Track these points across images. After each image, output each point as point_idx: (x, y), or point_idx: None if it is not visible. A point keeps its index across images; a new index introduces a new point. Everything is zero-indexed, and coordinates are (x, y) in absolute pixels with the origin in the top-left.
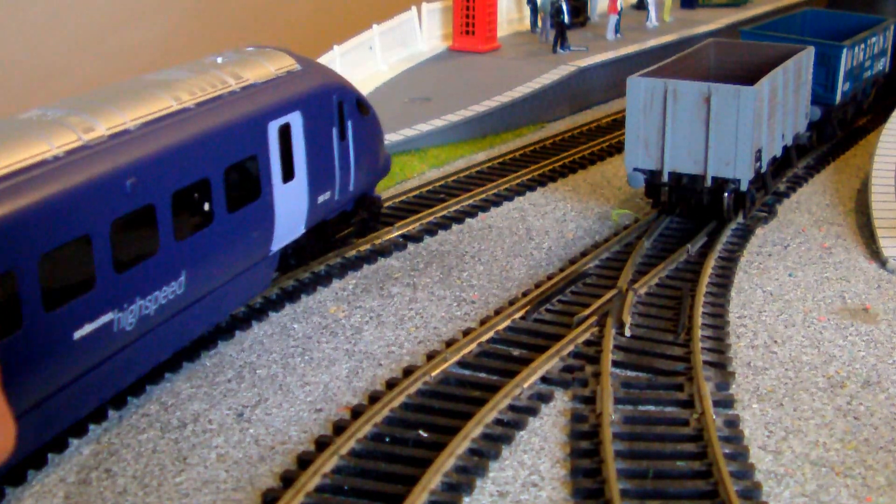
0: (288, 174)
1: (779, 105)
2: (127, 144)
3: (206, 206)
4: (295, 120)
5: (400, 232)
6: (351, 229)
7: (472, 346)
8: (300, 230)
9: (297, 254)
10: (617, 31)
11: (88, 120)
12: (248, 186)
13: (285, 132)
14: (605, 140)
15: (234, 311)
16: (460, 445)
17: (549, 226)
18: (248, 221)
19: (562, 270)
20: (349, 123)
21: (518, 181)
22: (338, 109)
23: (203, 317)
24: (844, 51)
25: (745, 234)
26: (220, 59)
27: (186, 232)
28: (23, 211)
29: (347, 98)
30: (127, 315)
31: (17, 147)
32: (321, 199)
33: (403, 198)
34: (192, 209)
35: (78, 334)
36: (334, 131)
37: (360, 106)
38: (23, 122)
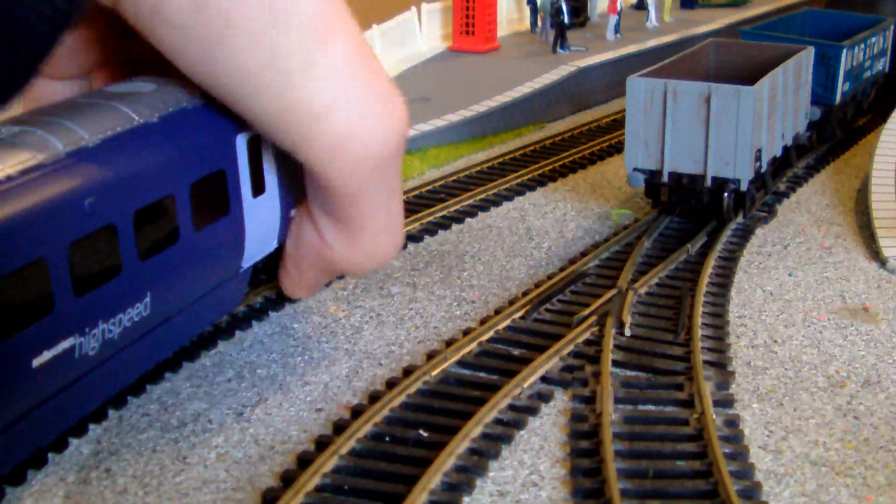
0: (258, 188)
1: (779, 105)
2: (85, 162)
3: (172, 225)
4: None
5: None
6: None
7: (472, 345)
8: (272, 245)
9: (269, 269)
10: (617, 31)
11: (44, 137)
12: (215, 202)
13: (255, 145)
14: (605, 140)
15: (202, 331)
16: (460, 445)
17: (549, 226)
18: (217, 239)
19: (562, 270)
20: None
21: (518, 181)
22: None
23: (171, 338)
24: (844, 51)
25: (745, 234)
26: None
27: (150, 252)
28: None
29: None
30: (89, 339)
31: None
32: (294, 213)
33: (403, 198)
34: (156, 228)
35: (37, 361)
36: None
37: None
38: None
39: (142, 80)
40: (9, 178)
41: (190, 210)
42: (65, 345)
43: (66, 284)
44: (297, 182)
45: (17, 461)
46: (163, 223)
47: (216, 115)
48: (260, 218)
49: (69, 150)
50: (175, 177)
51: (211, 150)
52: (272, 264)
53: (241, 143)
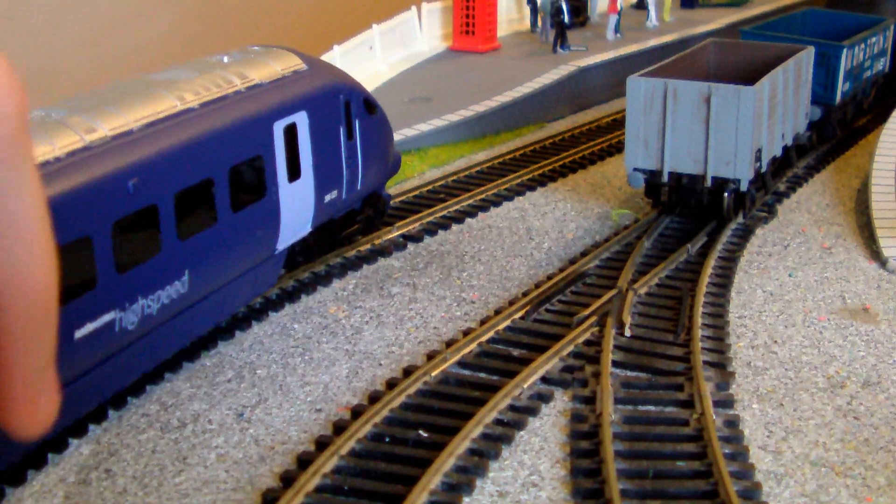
0: (294, 174)
1: (779, 105)
2: (129, 145)
3: (210, 207)
4: (301, 120)
5: (400, 232)
6: (357, 227)
7: (472, 346)
8: (307, 229)
9: (305, 252)
10: (617, 30)
11: (90, 121)
12: (252, 186)
13: (291, 132)
14: (605, 140)
15: (238, 310)
16: (460, 445)
17: (549, 226)
18: (253, 221)
19: (562, 270)
20: (356, 123)
21: (518, 181)
22: (345, 109)
23: (207, 315)
24: (844, 51)
25: (745, 234)
26: (225, 59)
27: (190, 232)
28: None
29: (355, 97)
30: (129, 314)
31: None
32: (328, 198)
33: (403, 198)
34: (195, 209)
35: (79, 333)
36: (341, 131)
37: (368, 105)
38: None
39: (184, 69)
40: (57, 160)
41: (228, 193)
42: (106, 319)
43: (109, 261)
44: (332, 170)
45: (60, 428)
46: (202, 205)
47: (254, 103)
48: (295, 202)
49: (114, 134)
50: (214, 161)
51: (249, 136)
52: (308, 248)
53: (278, 130)
